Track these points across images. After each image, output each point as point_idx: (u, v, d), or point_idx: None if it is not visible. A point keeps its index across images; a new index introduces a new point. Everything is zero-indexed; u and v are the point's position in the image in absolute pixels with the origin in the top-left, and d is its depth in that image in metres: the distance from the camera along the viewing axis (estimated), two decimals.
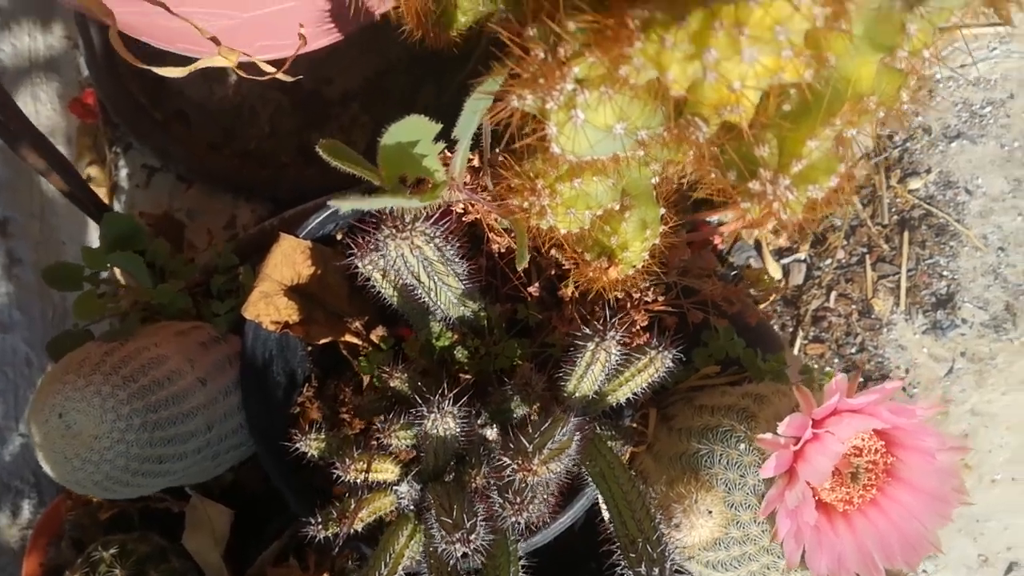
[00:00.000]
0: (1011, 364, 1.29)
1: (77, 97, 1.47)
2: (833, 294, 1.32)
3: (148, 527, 1.15)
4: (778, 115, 0.49)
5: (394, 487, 0.89)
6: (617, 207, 0.65)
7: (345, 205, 0.61)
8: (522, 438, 0.71)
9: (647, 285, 1.00)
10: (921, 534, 0.71)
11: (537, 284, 0.97)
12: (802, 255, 1.34)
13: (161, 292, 1.05)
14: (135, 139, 1.43)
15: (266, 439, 1.03)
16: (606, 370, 0.82)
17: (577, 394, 0.87)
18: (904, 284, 1.31)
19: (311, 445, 0.89)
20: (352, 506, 0.83)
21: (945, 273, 1.31)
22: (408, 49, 1.36)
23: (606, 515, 1.04)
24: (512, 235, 0.92)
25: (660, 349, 0.86)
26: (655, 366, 0.86)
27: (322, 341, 1.08)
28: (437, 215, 0.77)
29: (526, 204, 0.63)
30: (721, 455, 0.87)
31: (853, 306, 1.32)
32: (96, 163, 1.49)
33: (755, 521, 0.85)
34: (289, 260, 1.05)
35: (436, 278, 0.78)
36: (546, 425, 0.74)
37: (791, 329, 1.33)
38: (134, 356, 0.94)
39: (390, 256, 0.73)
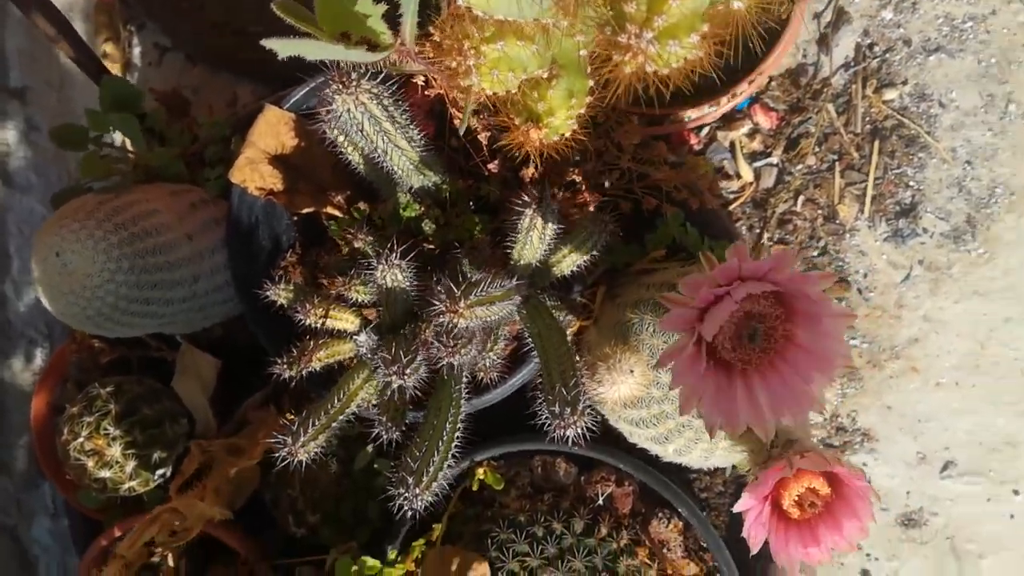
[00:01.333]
0: (966, 274, 1.34)
1: None
2: (801, 198, 1.38)
3: (145, 372, 1.27)
4: None
5: (354, 336, 0.99)
6: (545, 75, 0.71)
7: (280, 49, 0.68)
8: (451, 285, 0.79)
9: (603, 168, 1.07)
10: (805, 389, 0.79)
11: (496, 162, 1.03)
12: (775, 159, 1.38)
13: (157, 155, 1.14)
14: (146, 16, 1.50)
15: (248, 293, 1.12)
16: (544, 238, 0.90)
17: (521, 262, 0.95)
18: (870, 192, 1.36)
19: (279, 294, 0.98)
20: (310, 347, 0.93)
21: (911, 183, 1.35)
22: None
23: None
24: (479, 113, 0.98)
25: (600, 225, 0.93)
26: (592, 240, 0.93)
27: (305, 210, 1.16)
28: (395, 82, 0.84)
29: (454, 63, 0.69)
30: (649, 323, 0.95)
31: (819, 211, 1.37)
32: (111, 40, 1.57)
33: None
34: (273, 130, 1.13)
35: (386, 139, 0.85)
36: (475, 278, 0.82)
37: (758, 231, 1.39)
38: (126, 207, 1.03)
39: (337, 111, 0.80)
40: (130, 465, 1.17)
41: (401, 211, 1.06)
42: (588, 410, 0.83)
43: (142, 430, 1.17)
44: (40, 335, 1.44)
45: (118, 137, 1.35)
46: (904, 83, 1.36)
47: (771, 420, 0.80)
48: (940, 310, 1.35)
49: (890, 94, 1.36)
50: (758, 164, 1.39)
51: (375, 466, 1.15)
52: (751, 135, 1.39)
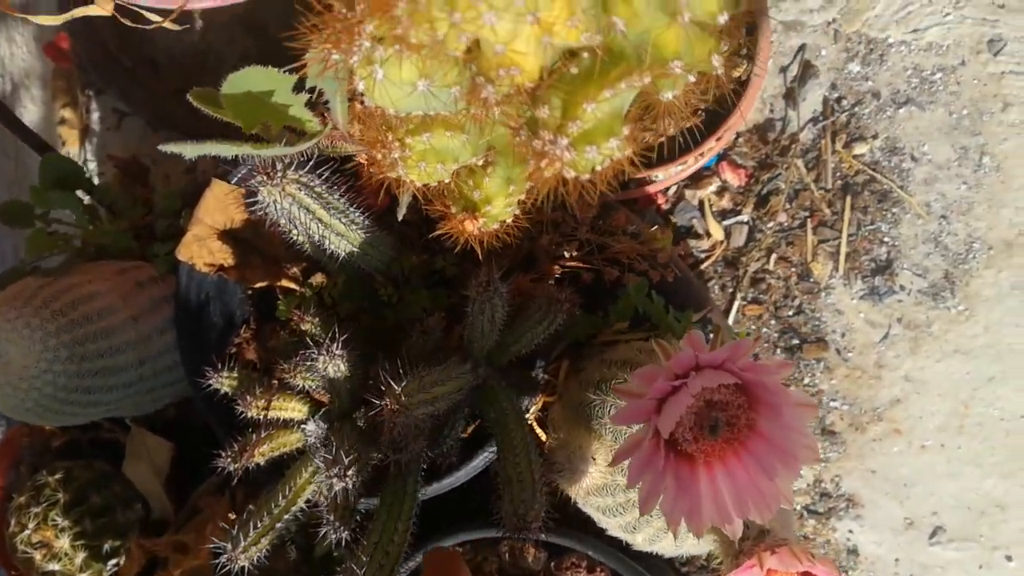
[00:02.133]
0: (946, 332, 1.30)
1: (52, 41, 1.51)
2: (773, 256, 1.34)
3: (97, 456, 1.22)
4: (565, 78, 0.51)
5: (302, 425, 0.94)
6: (480, 163, 0.68)
7: (188, 152, 0.64)
8: (390, 381, 0.75)
9: (561, 240, 1.03)
10: (770, 487, 0.74)
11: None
12: (745, 217, 1.35)
13: (99, 232, 1.10)
14: (101, 83, 1.46)
15: (197, 377, 1.08)
16: (496, 323, 0.86)
17: (475, 344, 0.91)
18: (844, 249, 1.32)
19: (223, 382, 0.94)
20: (252, 440, 0.88)
21: (886, 239, 1.32)
22: None
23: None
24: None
25: (555, 304, 0.89)
26: (549, 319, 0.89)
27: (258, 285, 1.12)
28: (333, 164, 0.81)
29: (379, 155, 0.66)
30: (611, 405, 0.90)
31: (792, 269, 1.34)
32: (70, 106, 1.54)
33: None
34: (221, 205, 1.09)
35: (320, 226, 0.81)
36: (422, 370, 0.78)
37: (730, 290, 1.35)
38: (66, 291, 0.99)
39: (263, 202, 0.77)
40: (79, 556, 1.12)
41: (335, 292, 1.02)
42: (546, 508, 0.78)
43: (92, 519, 1.12)
44: None
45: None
46: (875, 137, 1.33)
47: (737, 519, 0.75)
48: (921, 370, 1.31)
49: (860, 148, 1.33)
50: (728, 222, 1.35)
51: (334, 554, 1.10)
52: (720, 193, 1.36)
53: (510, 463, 0.83)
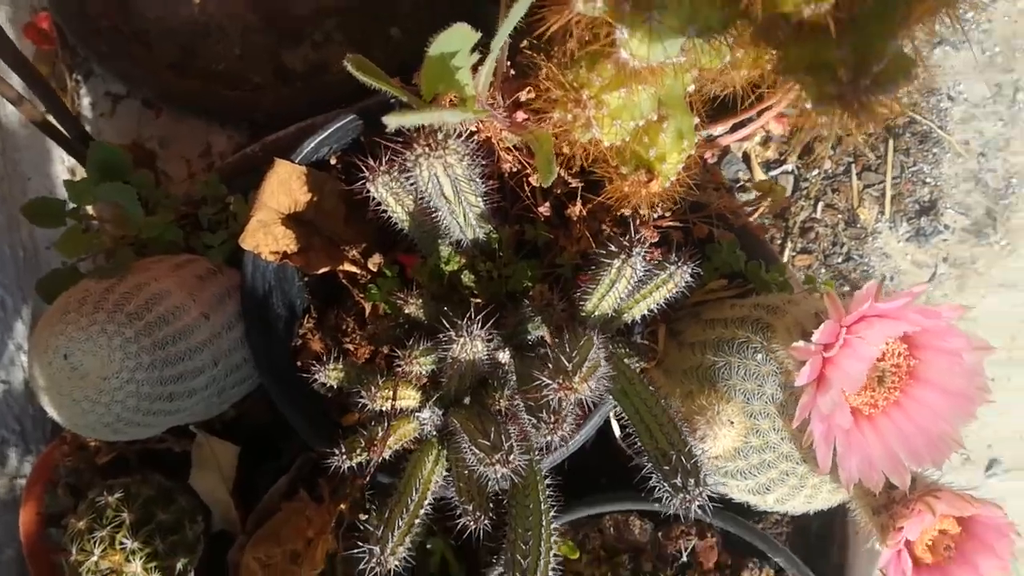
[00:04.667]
0: (991, 267, 1.33)
1: (31, 21, 1.38)
2: (820, 205, 1.34)
3: (147, 468, 1.14)
4: (854, 15, 0.48)
5: (416, 413, 0.89)
6: (655, 118, 0.64)
7: (398, 121, 0.58)
8: (561, 357, 0.70)
9: (662, 203, 0.99)
10: (946, 432, 0.74)
11: (547, 203, 0.95)
12: (790, 166, 1.34)
13: (151, 224, 1.01)
14: (97, 63, 1.35)
15: (274, 372, 1.01)
16: (630, 287, 0.82)
17: (597, 313, 0.87)
18: (889, 192, 1.33)
19: (330, 376, 0.88)
20: (380, 433, 0.83)
21: (928, 180, 1.33)
22: None
23: (617, 430, 1.05)
24: (523, 153, 0.90)
25: (679, 263, 0.85)
26: (674, 280, 0.86)
27: (322, 270, 1.05)
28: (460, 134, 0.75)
29: (570, 116, 0.61)
30: (739, 366, 0.88)
31: (840, 216, 1.34)
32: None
33: (774, 429, 0.87)
34: (285, 187, 1.02)
35: (463, 197, 0.76)
36: (581, 343, 0.74)
37: (779, 241, 1.34)
38: (135, 292, 0.91)
39: (421, 177, 0.71)
40: None
41: (443, 265, 0.97)
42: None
43: (163, 537, 1.04)
44: (12, 433, 1.28)
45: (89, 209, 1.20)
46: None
47: (909, 468, 0.74)
48: (969, 304, 1.33)
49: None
50: (774, 172, 1.34)
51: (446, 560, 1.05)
52: (764, 143, 1.34)
53: (659, 435, 0.80)
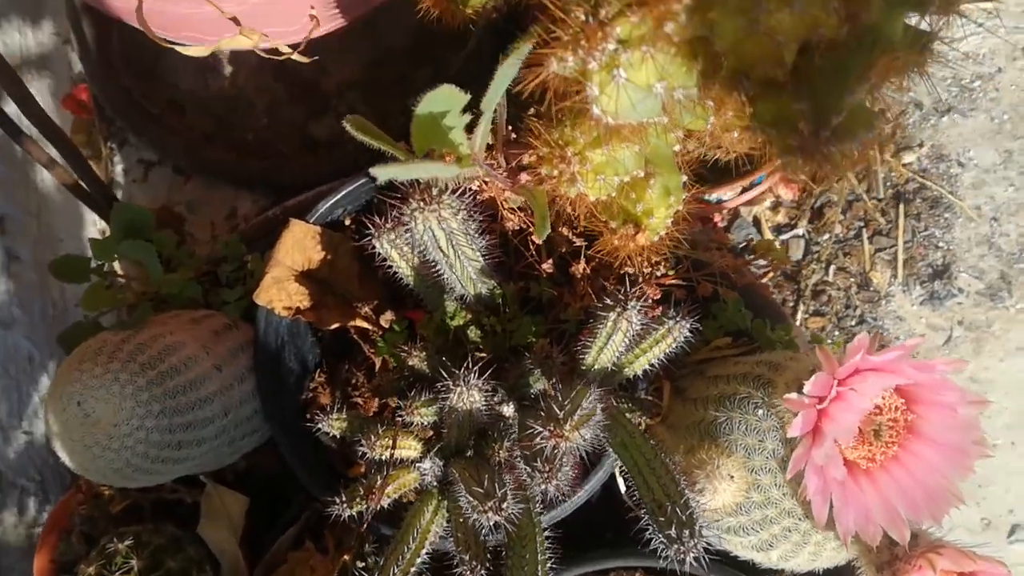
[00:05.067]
0: (1007, 331, 1.32)
1: (70, 93, 1.46)
2: (832, 268, 1.34)
3: (160, 518, 1.15)
4: (812, 71, 0.50)
5: (416, 464, 0.90)
6: (641, 174, 0.66)
7: (385, 174, 0.61)
8: (552, 406, 0.72)
9: (657, 259, 1.01)
10: (943, 487, 0.73)
11: (550, 261, 0.97)
12: (800, 230, 1.35)
13: (170, 281, 1.05)
14: (131, 133, 1.42)
15: (282, 423, 1.03)
16: (627, 340, 0.83)
17: (596, 366, 0.88)
18: (901, 256, 1.33)
19: (333, 425, 0.89)
20: (378, 482, 0.84)
21: (940, 244, 1.33)
22: (407, 34, 1.37)
23: (622, 485, 1.05)
24: (527, 213, 0.93)
25: (677, 319, 0.87)
26: (673, 336, 0.87)
27: (333, 326, 1.08)
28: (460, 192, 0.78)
29: (556, 172, 0.64)
30: (740, 421, 0.88)
31: (852, 279, 1.34)
32: (92, 159, 1.48)
33: (775, 485, 0.86)
34: (300, 245, 1.05)
35: (460, 251, 0.79)
36: (574, 393, 0.75)
37: (792, 304, 1.35)
38: (150, 343, 0.94)
39: (417, 230, 0.73)
40: None
41: (448, 320, 0.99)
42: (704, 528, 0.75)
43: None
44: (32, 483, 1.31)
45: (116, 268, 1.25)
46: (920, 145, 1.35)
47: (909, 523, 0.73)
48: (986, 370, 1.32)
49: (908, 157, 1.35)
50: (784, 236, 1.36)
51: None
52: (774, 208, 1.36)
53: (655, 485, 0.80)
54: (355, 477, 1.02)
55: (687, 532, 0.74)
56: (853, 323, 1.34)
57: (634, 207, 0.67)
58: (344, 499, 0.86)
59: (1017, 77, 1.33)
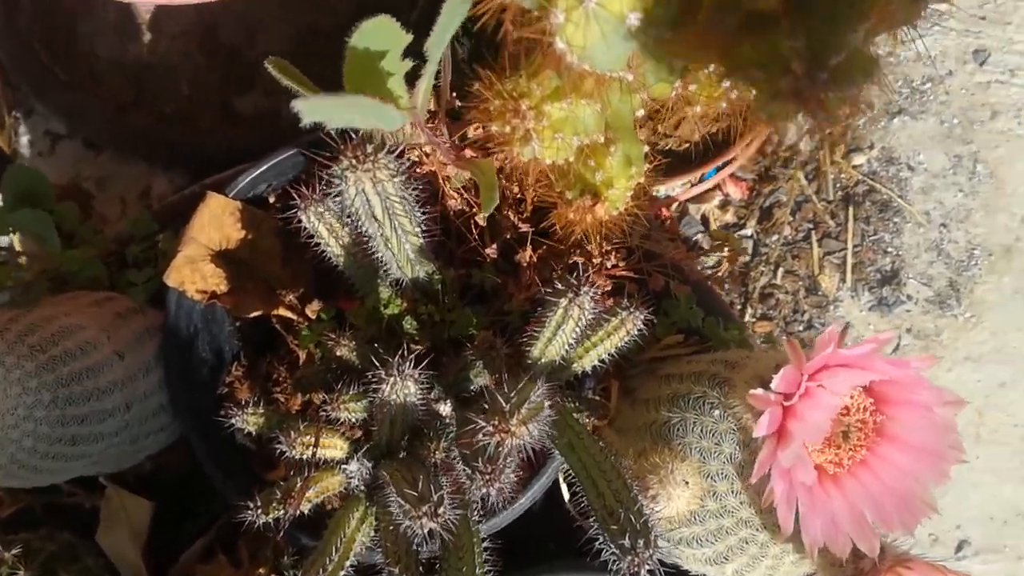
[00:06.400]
0: (955, 340, 1.29)
1: None
2: (780, 271, 1.30)
3: (54, 524, 1.04)
4: (810, 3, 0.44)
5: (342, 465, 0.81)
6: (602, 140, 0.59)
7: (311, 109, 0.53)
8: (498, 397, 0.64)
9: (608, 248, 0.95)
10: (916, 494, 0.68)
11: (495, 246, 0.90)
12: (749, 231, 1.31)
13: (70, 258, 0.94)
14: (38, 101, 1.30)
15: (194, 420, 0.94)
16: (578, 330, 0.76)
17: (543, 360, 0.81)
18: (850, 260, 1.30)
19: (248, 420, 0.80)
20: (298, 485, 0.75)
21: (890, 249, 1.30)
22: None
23: (566, 491, 0.98)
24: (472, 193, 0.85)
25: (631, 310, 0.80)
26: (626, 327, 0.80)
27: (253, 314, 0.99)
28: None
29: (508, 128, 0.56)
30: (694, 423, 0.82)
31: (800, 283, 1.30)
32: None
33: (732, 492, 0.80)
34: (217, 222, 0.96)
35: (396, 222, 0.71)
36: (521, 385, 0.67)
37: (739, 307, 1.30)
38: (43, 324, 0.83)
39: (348, 193, 0.65)
40: None
41: (383, 308, 0.90)
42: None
43: None
44: None
45: (3, 239, 1.13)
46: (871, 147, 1.32)
47: (878, 532, 0.68)
48: (934, 379, 1.27)
49: (858, 159, 1.31)
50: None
51: None
52: (723, 207, 1.31)
53: (607, 492, 0.73)
54: (275, 481, 0.93)
55: (642, 541, 0.67)
56: (800, 328, 1.29)
57: (593, 176, 0.60)
58: (259, 504, 0.77)
59: (966, 81, 1.31)
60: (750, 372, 0.79)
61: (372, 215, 0.68)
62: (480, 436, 0.64)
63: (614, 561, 0.69)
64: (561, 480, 0.98)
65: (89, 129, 1.28)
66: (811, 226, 1.31)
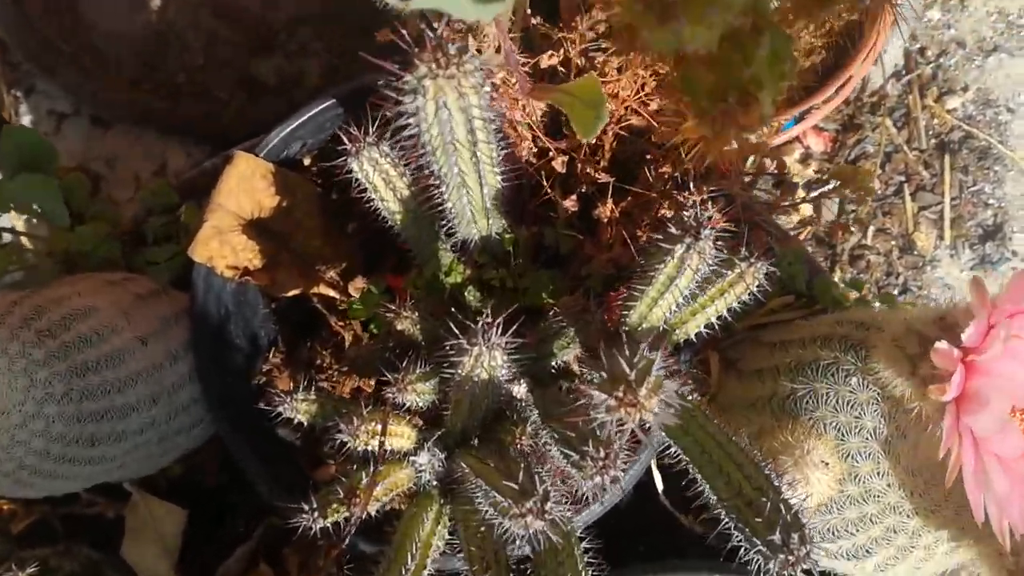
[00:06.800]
0: None
1: None
2: (871, 229, 1.17)
3: (74, 538, 0.92)
4: None
5: (410, 457, 0.68)
6: (748, 25, 0.46)
7: None
8: (620, 361, 0.51)
9: (704, 197, 0.81)
10: None
11: (573, 198, 0.77)
12: (832, 186, 1.17)
13: (81, 236, 0.82)
14: (43, 78, 1.18)
15: (229, 413, 0.81)
16: (693, 283, 0.63)
17: (644, 325, 0.68)
18: (948, 215, 1.16)
19: (299, 408, 0.68)
20: (363, 481, 0.62)
21: (991, 201, 1.16)
22: None
23: (659, 482, 0.86)
24: (547, 133, 0.72)
25: (751, 260, 0.67)
26: (746, 281, 0.67)
27: (291, 293, 0.86)
28: None
29: (640, 5, 0.43)
30: (827, 394, 0.69)
31: (893, 242, 1.16)
32: None
33: (877, 473, 0.67)
34: (247, 186, 0.83)
35: (479, 152, 0.57)
36: (642, 347, 0.54)
37: (826, 271, 1.16)
38: (51, 307, 0.71)
39: (426, 111, 0.52)
40: None
41: (443, 277, 0.78)
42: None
43: None
44: None
45: (7, 219, 1.01)
46: (965, 89, 1.18)
47: None
48: None
49: (952, 102, 1.18)
50: (816, 194, 1.17)
51: None
52: (803, 161, 1.18)
53: (741, 480, 0.60)
54: (326, 481, 0.80)
55: (796, 536, 0.54)
56: (896, 292, 1.16)
57: (741, 71, 0.47)
58: (316, 505, 0.64)
59: None
60: (897, 328, 0.66)
61: (453, 140, 0.54)
62: (598, 412, 0.51)
63: (759, 563, 0.56)
64: (654, 469, 0.85)
65: (97, 105, 1.16)
66: (903, 179, 1.17)
